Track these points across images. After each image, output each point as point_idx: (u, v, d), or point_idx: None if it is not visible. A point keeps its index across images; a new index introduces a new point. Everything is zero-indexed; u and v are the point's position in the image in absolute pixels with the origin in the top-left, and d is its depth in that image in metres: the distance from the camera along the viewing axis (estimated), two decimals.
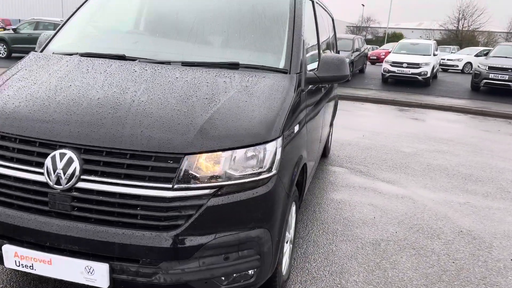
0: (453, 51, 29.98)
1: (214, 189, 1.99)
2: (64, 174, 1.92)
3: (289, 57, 2.70)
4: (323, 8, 4.92)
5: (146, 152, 1.94)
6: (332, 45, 5.52)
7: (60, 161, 1.93)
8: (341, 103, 11.77)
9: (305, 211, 4.11)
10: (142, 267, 1.96)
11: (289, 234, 2.75)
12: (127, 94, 2.19)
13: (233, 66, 2.59)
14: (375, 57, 27.65)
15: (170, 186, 1.93)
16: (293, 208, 2.84)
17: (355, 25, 70.48)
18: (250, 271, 2.17)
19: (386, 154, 6.56)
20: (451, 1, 58.31)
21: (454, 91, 15.37)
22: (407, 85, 15.78)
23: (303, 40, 2.85)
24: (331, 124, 5.74)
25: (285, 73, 2.62)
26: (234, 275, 2.12)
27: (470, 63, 24.13)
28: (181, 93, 2.23)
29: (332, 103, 5.20)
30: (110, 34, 3.02)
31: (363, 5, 68.52)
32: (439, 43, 31.83)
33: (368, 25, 72.66)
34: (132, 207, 1.95)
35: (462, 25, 55.98)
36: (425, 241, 3.69)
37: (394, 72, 15.91)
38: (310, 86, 2.97)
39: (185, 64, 2.59)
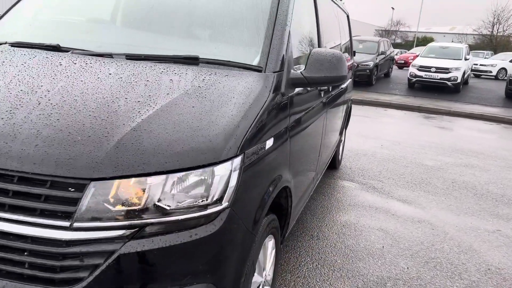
0: (486, 56, 28.55)
1: (133, 229, 1.42)
2: None
3: (266, 52, 2.10)
4: (334, 2, 4.30)
5: (38, 175, 1.39)
6: (345, 45, 4.89)
7: None
8: (361, 109, 11.07)
9: (300, 236, 3.49)
10: None
11: (262, 278, 2.16)
12: (35, 95, 1.65)
13: (191, 60, 2.02)
14: (402, 61, 26.56)
15: (68, 224, 1.37)
16: (270, 243, 2.24)
17: (384, 28, 68.80)
18: None
19: (405, 168, 5.85)
20: (485, 5, 56.14)
21: (487, 98, 14.35)
22: (435, 91, 14.86)
23: (289, 33, 2.25)
24: (342, 133, 5.09)
25: (259, 71, 2.03)
26: None
27: (504, 69, 22.79)
28: (107, 94, 1.68)
29: (341, 108, 4.56)
30: (54, 23, 2.50)
31: (393, 8, 66.86)
32: (473, 48, 30.46)
33: (397, 29, 70.83)
34: (17, 251, 1.40)
35: (497, 30, 53.72)
36: (443, 281, 3.01)
37: (421, 77, 15.01)
38: (298, 89, 2.37)
39: (130, 57, 2.03)
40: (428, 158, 6.48)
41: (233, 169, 1.61)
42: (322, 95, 3.14)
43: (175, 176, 1.47)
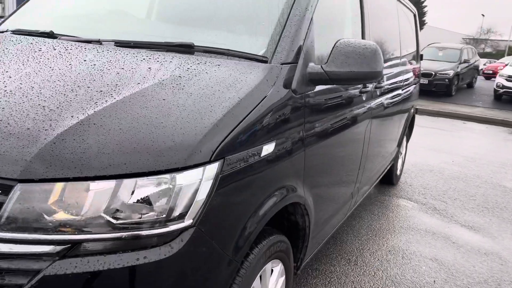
0: None
1: (64, 245, 1.15)
2: None
3: (276, 41, 1.75)
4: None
5: None
6: (406, 46, 4.34)
7: None
8: (436, 121, 10.14)
9: (335, 259, 3.04)
10: None
11: None
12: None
13: (185, 48, 1.72)
14: (490, 72, 24.31)
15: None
16: (277, 269, 1.88)
17: (472, 37, 64.15)
18: None
19: (478, 188, 5.09)
20: None
21: None
22: None
23: (310, 20, 1.88)
24: (400, 144, 4.52)
25: (263, 62, 1.69)
26: None
27: None
28: (69, 82, 1.44)
29: (399, 117, 4.02)
30: (64, 11, 2.35)
31: (483, 15, 62.24)
32: None
33: (487, 38, 65.71)
34: None
35: None
36: None
37: (509, 88, 13.52)
38: (321, 87, 1.98)
39: (119, 44, 1.79)
40: (508, 179, 5.62)
41: (203, 178, 1.28)
42: (365, 99, 2.70)
43: (122, 183, 1.18)
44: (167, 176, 1.22)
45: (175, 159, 1.23)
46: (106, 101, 1.34)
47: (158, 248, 1.21)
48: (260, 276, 1.75)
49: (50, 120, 1.26)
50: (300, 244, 2.15)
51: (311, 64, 1.85)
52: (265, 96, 1.55)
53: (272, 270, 1.89)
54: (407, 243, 3.43)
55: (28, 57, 1.64)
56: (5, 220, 1.13)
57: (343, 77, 1.85)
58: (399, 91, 3.85)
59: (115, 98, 1.35)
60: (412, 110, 4.83)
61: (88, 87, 1.41)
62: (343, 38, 1.90)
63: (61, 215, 1.16)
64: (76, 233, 1.16)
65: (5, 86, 1.42)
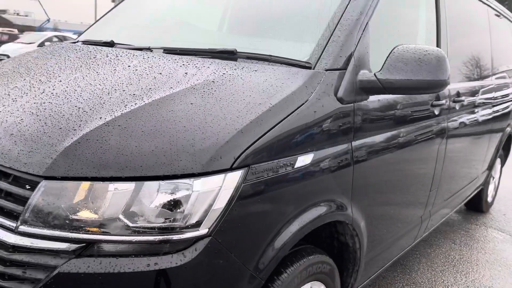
0: None
1: (81, 244, 1.16)
2: None
3: (323, 46, 1.65)
4: (484, 3, 3.45)
5: (2, 166, 1.25)
6: (506, 60, 3.90)
7: None
8: None
9: None
10: None
11: None
12: (47, 84, 1.56)
13: (228, 55, 1.69)
14: None
15: (14, 226, 1.19)
16: None
17: None
18: None
19: None
20: None
21: None
22: None
23: (365, 25, 1.75)
24: (491, 167, 4.03)
25: (307, 68, 1.59)
26: None
27: None
28: (109, 85, 1.48)
29: (488, 137, 3.60)
30: (135, 24, 2.46)
31: None
32: None
33: None
34: None
35: None
36: None
37: None
38: (378, 97, 1.82)
39: (167, 51, 1.82)
40: None
41: (223, 186, 1.22)
42: (438, 113, 2.44)
43: (134, 186, 1.17)
44: (183, 181, 1.18)
45: (193, 164, 1.19)
46: (135, 104, 1.35)
47: (170, 255, 1.17)
48: None
49: (81, 121, 1.30)
50: (350, 267, 1.97)
51: (363, 72, 1.71)
52: (303, 104, 1.46)
53: None
54: (492, 280, 3.01)
55: (82, 63, 1.73)
56: (29, 214, 1.17)
57: (399, 86, 1.68)
58: (489, 108, 3.45)
59: (144, 101, 1.35)
60: (508, 129, 4.31)
61: (124, 90, 1.44)
62: (404, 44, 1.73)
63: (80, 214, 1.17)
64: (92, 233, 1.17)
65: (53, 89, 1.51)
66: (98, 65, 1.69)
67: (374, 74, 1.69)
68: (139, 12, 2.48)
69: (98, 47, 1.98)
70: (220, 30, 2.31)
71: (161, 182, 1.18)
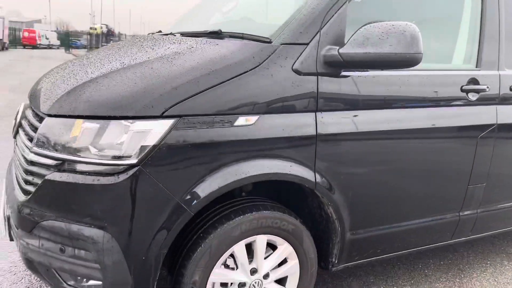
0: None
1: (58, 161, 1.66)
2: None
3: (287, 24, 1.83)
4: None
5: (40, 112, 1.83)
6: None
7: None
8: None
9: None
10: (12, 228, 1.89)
11: (247, 277, 1.88)
12: (111, 63, 1.95)
13: (215, 34, 2.02)
14: None
15: (30, 146, 1.77)
16: (281, 249, 1.93)
17: None
18: (94, 282, 1.69)
19: None
20: None
21: None
22: None
23: (342, 4, 1.85)
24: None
25: (266, 42, 1.81)
26: (83, 279, 1.71)
27: None
28: (131, 59, 1.90)
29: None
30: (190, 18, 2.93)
31: None
32: None
33: None
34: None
35: None
36: None
37: None
38: (367, 74, 1.90)
39: (183, 34, 2.24)
40: None
41: (153, 130, 1.57)
42: (474, 99, 2.26)
43: (91, 123, 1.59)
44: (125, 122, 1.57)
45: (131, 110, 1.57)
46: (117, 69, 1.79)
47: (108, 176, 1.58)
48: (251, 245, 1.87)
49: (87, 79, 1.78)
50: (334, 238, 2.07)
51: (329, 47, 1.82)
52: (246, 71, 1.69)
53: (276, 248, 1.94)
54: None
55: (144, 46, 2.17)
56: (36, 139, 1.72)
57: (359, 59, 1.75)
58: None
59: (123, 67, 1.79)
60: None
61: (123, 61, 1.89)
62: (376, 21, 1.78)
63: (62, 140, 1.65)
64: (63, 154, 1.63)
65: (109, 64, 2.00)
66: (148, 47, 2.12)
67: (337, 50, 1.79)
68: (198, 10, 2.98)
69: (158, 35, 2.48)
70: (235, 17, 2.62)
71: (112, 121, 1.58)
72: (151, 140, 1.57)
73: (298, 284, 2.04)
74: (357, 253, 2.17)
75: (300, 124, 1.81)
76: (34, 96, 1.99)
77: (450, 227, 2.45)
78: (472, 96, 2.27)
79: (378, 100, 2.00)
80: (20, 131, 2.00)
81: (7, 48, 36.24)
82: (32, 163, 1.73)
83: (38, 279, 2.36)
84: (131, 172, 1.57)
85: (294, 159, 1.82)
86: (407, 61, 1.74)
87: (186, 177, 1.64)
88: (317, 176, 1.88)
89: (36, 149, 1.70)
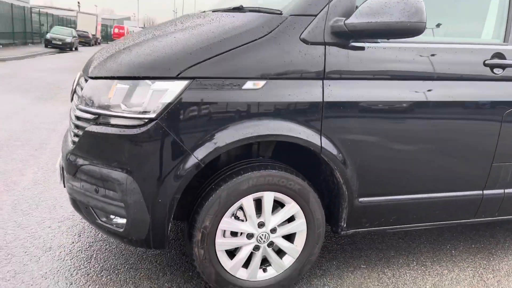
0: None
1: (94, 115, 1.97)
2: None
3: None
4: None
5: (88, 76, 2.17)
6: None
7: None
8: None
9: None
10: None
11: (254, 229, 2.07)
12: (146, 35, 2.24)
13: (237, 9, 2.22)
14: None
15: (76, 104, 2.10)
16: (288, 207, 2.09)
17: None
18: (120, 220, 1.99)
19: None
20: None
21: None
22: None
23: None
24: None
25: (277, 14, 1.97)
26: (111, 216, 2.03)
27: None
28: (171, 31, 2.16)
29: None
30: None
31: None
32: None
33: None
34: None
35: None
36: None
37: None
38: (375, 45, 1.99)
39: (214, 10, 2.47)
40: None
41: (170, 89, 1.82)
42: (500, 74, 2.23)
43: (125, 83, 1.87)
44: (146, 82, 1.84)
45: (152, 71, 1.83)
46: (149, 38, 2.07)
47: (131, 128, 1.85)
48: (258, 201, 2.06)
49: (123, 47, 2.08)
50: (343, 203, 2.18)
51: (337, 18, 1.93)
52: (255, 39, 1.87)
53: (283, 205, 2.10)
54: None
55: (169, 22, 2.48)
56: (81, 97, 2.05)
57: (361, 28, 1.85)
58: None
59: (154, 37, 2.06)
60: None
61: (155, 33, 2.16)
62: None
63: (98, 99, 1.95)
64: (97, 109, 1.94)
65: (139, 36, 2.31)
66: (171, 21, 2.42)
67: (344, 20, 1.90)
68: None
69: (208, 12, 2.73)
70: None
71: (140, 81, 1.85)
72: (168, 98, 1.82)
73: (305, 242, 2.19)
74: (367, 220, 2.26)
75: (307, 90, 1.95)
76: (86, 66, 2.35)
77: (472, 205, 2.43)
78: (497, 71, 2.24)
79: (389, 71, 2.07)
80: (74, 96, 2.37)
81: (99, 43, 39.56)
82: (77, 118, 2.06)
83: (89, 224, 2.74)
84: (150, 125, 1.83)
85: (300, 123, 1.97)
86: (408, 30, 1.81)
87: (197, 131, 1.87)
88: (323, 140, 2.01)
89: (80, 106, 2.03)
